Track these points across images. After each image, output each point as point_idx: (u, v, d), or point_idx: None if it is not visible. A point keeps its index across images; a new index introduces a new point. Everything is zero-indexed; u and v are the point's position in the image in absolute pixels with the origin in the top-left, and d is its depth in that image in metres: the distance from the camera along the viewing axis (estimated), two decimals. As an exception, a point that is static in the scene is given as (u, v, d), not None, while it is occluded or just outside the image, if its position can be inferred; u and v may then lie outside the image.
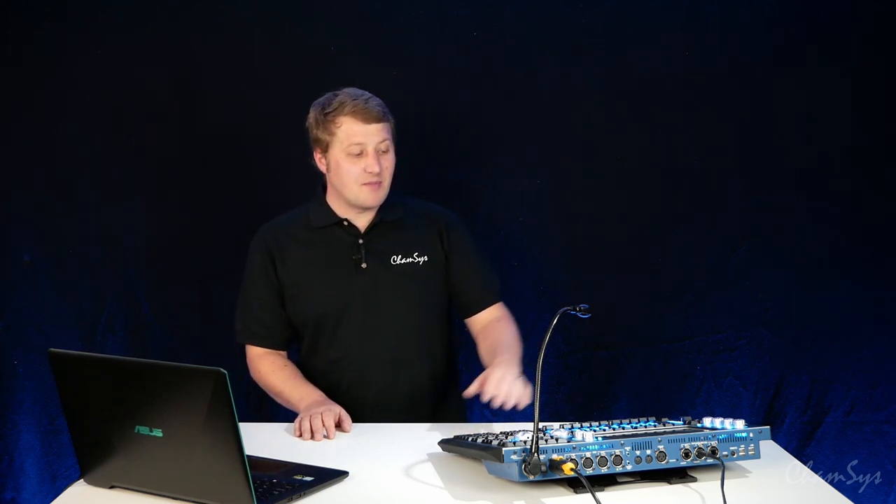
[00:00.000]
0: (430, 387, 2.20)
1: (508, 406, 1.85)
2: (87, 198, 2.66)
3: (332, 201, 2.19)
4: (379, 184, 2.11)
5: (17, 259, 2.66)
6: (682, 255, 2.69)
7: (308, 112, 2.16)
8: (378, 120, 2.09)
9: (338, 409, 1.97)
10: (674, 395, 2.71)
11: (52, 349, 1.54)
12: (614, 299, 2.67)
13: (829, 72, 2.62)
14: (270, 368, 2.18)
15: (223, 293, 2.63)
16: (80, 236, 2.67)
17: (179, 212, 2.68)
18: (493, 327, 2.19)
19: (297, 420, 1.95)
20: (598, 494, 1.49)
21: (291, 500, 1.52)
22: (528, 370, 2.11)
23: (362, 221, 2.18)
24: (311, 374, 2.20)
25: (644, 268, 2.69)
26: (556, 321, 1.59)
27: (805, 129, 2.65)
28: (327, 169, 2.15)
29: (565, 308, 1.67)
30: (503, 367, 1.91)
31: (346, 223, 2.17)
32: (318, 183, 2.22)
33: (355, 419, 2.02)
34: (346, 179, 2.10)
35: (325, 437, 1.90)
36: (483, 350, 2.17)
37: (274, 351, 2.22)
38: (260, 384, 2.21)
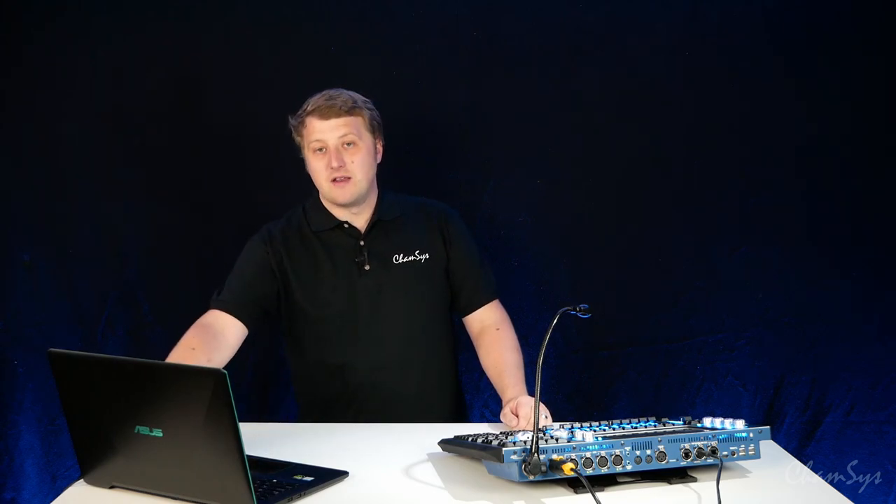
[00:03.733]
0: (438, 385, 2.20)
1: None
2: (87, 198, 2.66)
3: (328, 203, 2.18)
4: (347, 179, 2.08)
5: (17, 259, 2.66)
6: (682, 255, 2.69)
7: None
8: (339, 115, 2.07)
9: None
10: (674, 395, 2.71)
11: (52, 349, 1.54)
12: (614, 299, 2.67)
13: (829, 72, 2.62)
14: (186, 339, 2.01)
15: (223, 293, 2.63)
16: (80, 236, 2.67)
17: (180, 212, 2.68)
18: (496, 338, 2.17)
19: None
20: (598, 494, 1.49)
21: (291, 500, 1.52)
22: (527, 370, 2.12)
23: (361, 222, 2.17)
24: (318, 378, 2.16)
25: (644, 268, 2.69)
26: (556, 321, 1.59)
27: (805, 130, 2.64)
28: (308, 170, 2.16)
29: (565, 308, 1.67)
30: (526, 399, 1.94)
31: (346, 226, 2.17)
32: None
33: (365, 420, 2.03)
34: (317, 177, 2.12)
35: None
36: (488, 363, 2.16)
37: (224, 325, 2.07)
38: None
